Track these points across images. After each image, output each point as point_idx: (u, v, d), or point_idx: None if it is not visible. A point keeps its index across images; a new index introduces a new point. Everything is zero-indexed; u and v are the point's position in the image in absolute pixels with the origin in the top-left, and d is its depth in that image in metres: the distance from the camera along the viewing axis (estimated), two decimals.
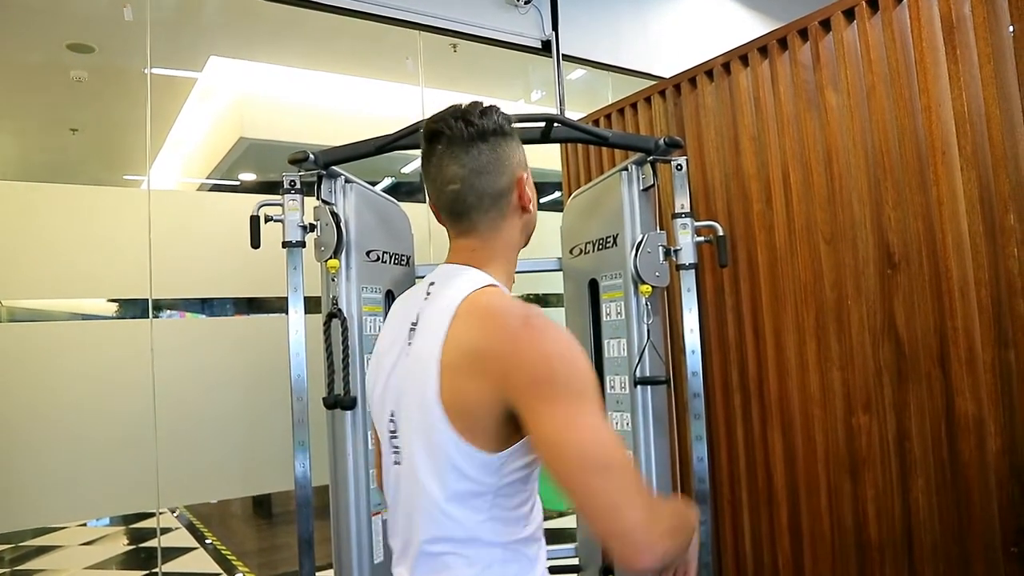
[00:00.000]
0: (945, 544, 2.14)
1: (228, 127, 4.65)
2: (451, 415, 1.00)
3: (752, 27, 4.76)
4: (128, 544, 5.77)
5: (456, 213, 1.13)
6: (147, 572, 4.86)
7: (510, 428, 1.00)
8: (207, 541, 5.66)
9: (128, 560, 5.27)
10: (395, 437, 1.12)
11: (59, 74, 3.95)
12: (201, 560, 5.07)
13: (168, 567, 4.90)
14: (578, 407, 0.94)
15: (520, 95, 4.68)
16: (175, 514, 6.67)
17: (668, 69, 3.93)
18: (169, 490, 3.05)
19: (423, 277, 2.39)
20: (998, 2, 2.05)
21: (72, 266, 2.99)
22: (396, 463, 1.12)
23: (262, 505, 6.46)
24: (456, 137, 1.09)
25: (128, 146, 5.03)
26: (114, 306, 3.37)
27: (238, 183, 5.24)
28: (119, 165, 4.93)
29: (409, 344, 1.11)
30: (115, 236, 3.07)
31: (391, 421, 1.13)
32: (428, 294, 1.14)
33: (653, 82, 3.76)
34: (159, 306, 3.13)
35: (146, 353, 2.99)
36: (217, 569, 4.83)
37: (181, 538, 5.84)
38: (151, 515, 6.39)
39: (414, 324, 1.11)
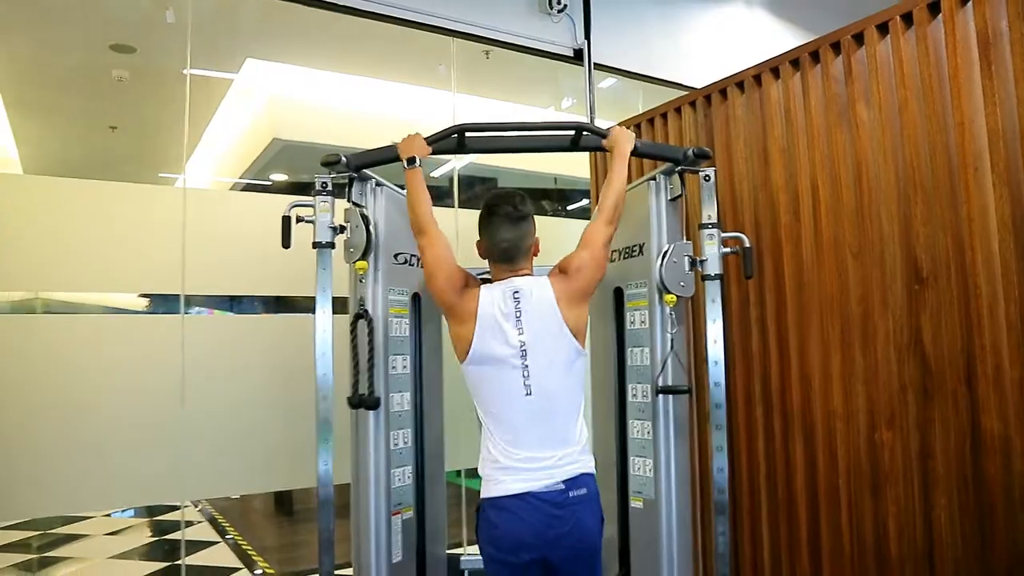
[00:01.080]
0: (967, 563, 2.12)
1: (262, 128, 4.74)
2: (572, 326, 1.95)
3: (783, 39, 4.74)
4: (151, 536, 5.87)
5: (507, 259, 2.02)
6: (169, 564, 4.94)
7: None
8: (228, 536, 5.74)
9: (151, 551, 5.36)
10: (527, 374, 1.90)
11: (101, 73, 4.05)
12: (222, 554, 5.14)
13: (190, 560, 4.98)
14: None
15: (550, 102, 4.71)
16: (198, 508, 6.77)
17: (698, 79, 3.93)
18: (194, 483, 3.10)
19: None
20: None
21: (107, 260, 3.05)
22: (527, 395, 1.89)
23: (283, 502, 6.53)
24: (510, 216, 2.00)
25: (165, 144, 5.13)
26: (144, 301, 3.46)
27: (270, 183, 5.33)
28: (155, 163, 5.04)
29: (519, 314, 1.92)
30: (150, 232, 3.12)
31: (524, 364, 1.90)
32: (517, 291, 1.96)
33: (683, 92, 3.76)
34: (191, 302, 3.19)
35: (177, 348, 3.05)
36: (238, 564, 4.90)
37: (203, 532, 5.92)
38: (175, 508, 6.49)
39: (519, 306, 1.93)
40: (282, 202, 2.39)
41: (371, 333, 2.39)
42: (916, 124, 2.29)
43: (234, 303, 3.52)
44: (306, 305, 3.49)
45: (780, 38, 4.76)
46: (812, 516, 2.58)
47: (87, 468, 2.93)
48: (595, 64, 3.91)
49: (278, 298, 3.55)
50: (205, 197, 3.53)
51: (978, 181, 2.13)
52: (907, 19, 2.33)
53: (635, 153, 2.41)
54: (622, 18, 4.10)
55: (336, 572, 2.33)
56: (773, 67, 2.74)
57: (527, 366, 1.89)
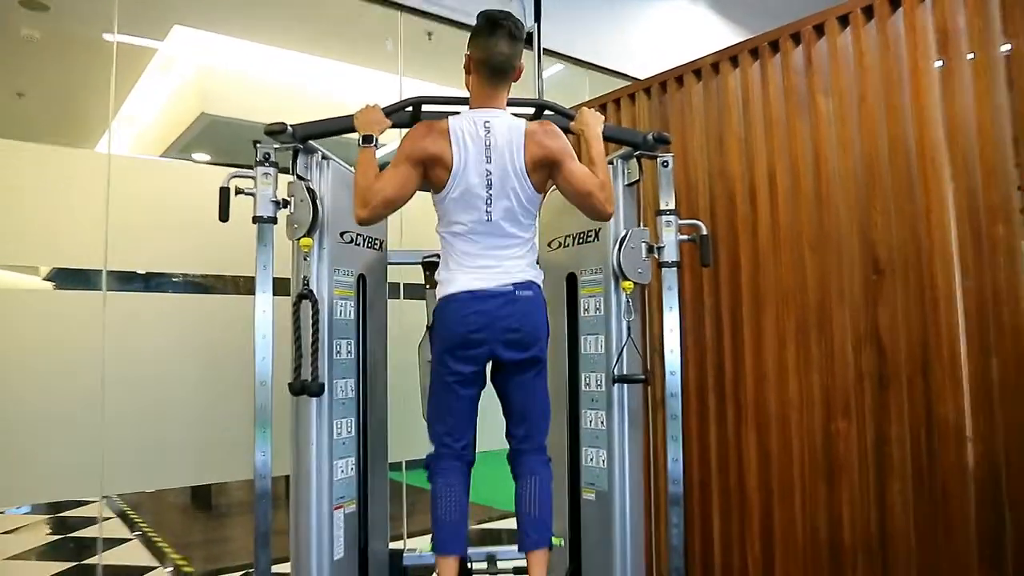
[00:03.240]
0: (921, 550, 2.13)
1: (189, 101, 4.44)
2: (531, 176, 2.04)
3: (724, 36, 4.78)
4: (53, 533, 5.44)
5: (499, 73, 2.03)
6: (76, 563, 4.58)
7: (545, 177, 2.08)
8: (142, 532, 5.38)
9: (55, 551, 4.97)
10: (489, 202, 2.01)
11: (9, 32, 3.70)
12: (136, 552, 4.80)
13: (102, 558, 4.63)
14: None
15: None
16: (105, 502, 6.35)
17: (643, 71, 3.90)
18: (114, 476, 2.86)
19: (396, 264, 2.27)
20: (992, 16, 2.06)
21: (15, 230, 2.76)
22: (488, 220, 2.01)
23: (201, 497, 6.18)
24: (512, 33, 2.01)
25: (79, 115, 4.76)
26: (47, 279, 3.15)
27: (197, 162, 5.01)
28: (69, 134, 4.66)
29: (488, 144, 1.99)
30: (68, 201, 2.85)
31: (488, 193, 2.00)
32: (487, 122, 2.01)
33: (628, 82, 3.72)
34: (113, 279, 2.92)
35: (97, 328, 2.79)
36: (153, 562, 4.58)
37: (114, 528, 5.54)
38: (79, 503, 6.05)
39: (489, 136, 1.99)
40: (219, 173, 2.22)
41: (316, 315, 2.24)
42: (875, 116, 2.30)
43: (164, 281, 3.25)
44: (241, 286, 3.30)
45: (722, 35, 4.80)
46: (765, 506, 2.56)
47: (22, 457, 2.66)
48: (544, 49, 3.82)
49: (210, 277, 3.31)
50: (132, 165, 3.26)
51: (935, 173, 2.14)
52: (868, 12, 2.33)
53: None
54: (571, 5, 4.03)
55: (271, 569, 2.17)
56: (732, 55, 2.72)
57: (490, 197, 2.01)
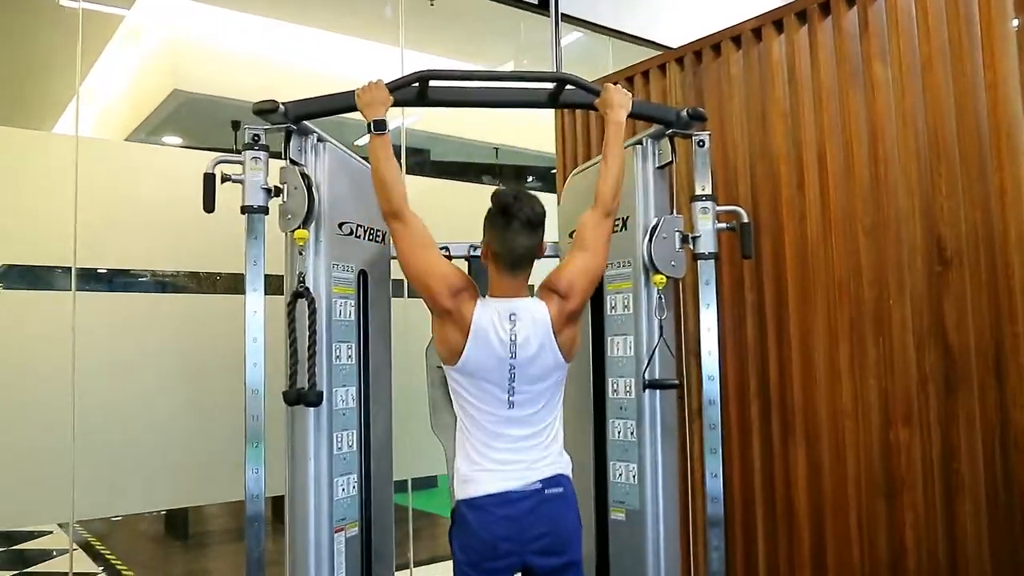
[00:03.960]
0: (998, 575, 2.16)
1: (159, 76, 4.48)
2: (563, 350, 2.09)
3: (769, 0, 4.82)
4: (11, 568, 5.50)
5: (520, 266, 2.08)
6: None
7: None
8: (110, 566, 5.45)
9: None
10: (512, 392, 2.04)
11: None
12: None
13: None
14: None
15: (509, 57, 4.65)
16: (67, 531, 6.40)
17: (675, 38, 3.93)
18: (86, 499, 2.90)
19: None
20: None
21: None
22: (510, 408, 2.05)
23: (175, 524, 6.26)
24: (531, 222, 2.02)
25: (33, 91, 4.81)
26: None
27: (176, 146, 5.06)
28: (23, 112, 4.71)
29: (514, 338, 2.03)
30: (30, 190, 2.90)
31: (511, 384, 2.04)
32: (513, 314, 2.04)
33: (658, 51, 3.75)
34: (84, 277, 2.98)
35: (66, 333, 2.85)
36: None
37: (78, 561, 5.60)
38: (36, 535, 6.11)
39: (514, 329, 2.03)
40: (200, 159, 2.25)
41: (313, 315, 2.28)
42: (941, 85, 2.33)
43: (139, 279, 3.31)
44: (229, 285, 3.34)
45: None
46: (816, 527, 2.60)
47: None
48: (562, 15, 3.86)
49: (192, 274, 3.37)
50: (103, 149, 3.33)
51: (1011, 149, 2.18)
52: None
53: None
54: None
55: None
56: (776, 20, 2.77)
57: (513, 386, 2.05)
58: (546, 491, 2.04)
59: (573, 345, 2.13)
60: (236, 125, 5.26)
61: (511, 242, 2.03)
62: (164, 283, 3.34)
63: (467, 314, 2.03)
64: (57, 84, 4.64)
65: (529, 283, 2.14)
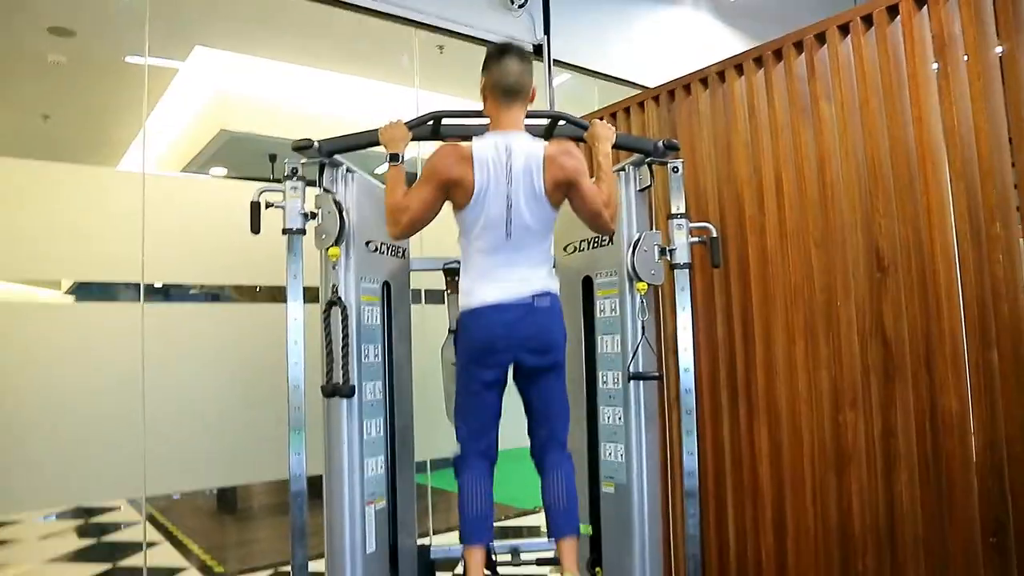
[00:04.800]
0: (927, 536, 2.21)
1: (209, 119, 4.55)
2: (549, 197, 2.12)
3: (730, 44, 4.86)
4: (87, 538, 5.55)
5: (514, 93, 2.14)
6: (112, 566, 4.68)
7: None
8: (170, 535, 5.48)
9: (92, 553, 5.08)
10: (509, 221, 2.09)
11: (36, 57, 3.82)
12: (167, 555, 4.91)
13: (133, 560, 4.73)
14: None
15: None
16: (135, 506, 6.43)
17: (651, 79, 3.98)
18: (155, 478, 2.96)
19: (418, 270, 2.74)
20: (987, 22, 2.14)
21: (56, 246, 2.88)
22: (507, 236, 2.11)
23: (226, 500, 6.28)
24: (520, 55, 2.16)
25: (101, 134, 4.87)
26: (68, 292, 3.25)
27: (224, 177, 5.12)
28: (93, 153, 4.77)
29: (510, 168, 2.07)
30: (107, 218, 2.98)
31: (508, 215, 2.09)
32: (508, 145, 2.09)
33: (637, 91, 3.80)
34: (150, 291, 3.04)
35: (136, 338, 2.91)
36: (184, 563, 4.68)
37: (145, 532, 5.64)
38: (107, 510, 6.15)
39: (510, 160, 2.07)
40: (245, 188, 2.31)
41: (345, 320, 2.32)
42: (876, 120, 2.37)
43: (197, 292, 3.37)
44: (268, 295, 3.40)
45: (728, 44, 4.88)
46: (777, 497, 2.64)
47: (46, 463, 2.77)
48: (554, 60, 3.91)
49: (240, 287, 3.42)
50: (164, 182, 3.39)
51: (935, 175, 2.22)
52: (867, 20, 2.41)
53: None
54: (579, 15, 4.12)
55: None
56: (737, 64, 2.80)
57: (510, 217, 2.10)
58: (535, 303, 2.11)
59: (557, 195, 2.14)
60: (273, 158, 5.32)
61: (506, 68, 2.12)
62: (216, 295, 3.39)
63: (467, 152, 2.08)
64: (120, 127, 4.71)
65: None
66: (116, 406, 2.91)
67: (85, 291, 3.16)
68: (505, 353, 2.12)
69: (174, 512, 6.27)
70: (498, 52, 2.15)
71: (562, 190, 2.14)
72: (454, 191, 2.10)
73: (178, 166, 5.03)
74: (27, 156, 2.96)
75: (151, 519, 6.03)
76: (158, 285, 3.17)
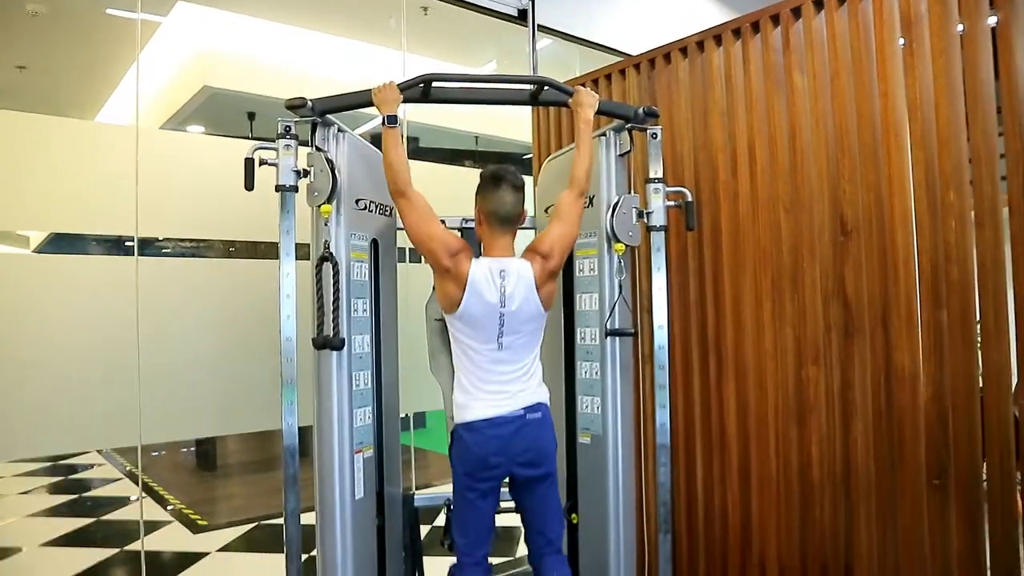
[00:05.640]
0: (879, 480, 2.40)
1: (191, 74, 4.55)
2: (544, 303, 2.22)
3: (711, 15, 4.94)
4: (64, 492, 5.63)
5: (508, 222, 2.25)
6: (94, 519, 4.78)
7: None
8: (151, 489, 5.58)
9: (70, 507, 5.16)
10: (501, 335, 2.19)
11: (13, 7, 3.80)
12: (149, 509, 5.01)
13: (115, 515, 4.84)
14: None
15: (491, 58, 4.74)
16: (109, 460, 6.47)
17: (634, 47, 4.05)
18: (150, 427, 3.04)
19: (403, 229, 2.53)
20: (950, 3, 2.27)
21: (48, 198, 2.92)
22: (499, 349, 2.20)
23: (205, 457, 6.38)
24: (515, 185, 2.25)
25: (79, 87, 4.85)
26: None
27: (213, 135, 5.13)
28: (71, 103, 4.75)
29: (503, 291, 2.18)
30: (100, 171, 3.01)
31: (500, 329, 2.18)
32: (503, 271, 2.19)
33: (620, 58, 3.88)
34: (144, 244, 3.11)
35: (131, 290, 2.97)
36: (167, 517, 4.80)
37: (124, 488, 5.73)
38: (83, 467, 6.22)
39: (504, 283, 2.18)
40: (238, 148, 2.36)
41: (336, 276, 2.39)
42: (845, 93, 2.49)
43: (190, 247, 3.43)
44: (261, 251, 3.47)
45: (709, 14, 4.95)
46: (743, 447, 2.80)
47: (41, 410, 2.85)
48: (538, 26, 3.96)
49: (233, 243, 3.48)
50: (158, 138, 3.42)
51: (898, 145, 2.36)
52: None
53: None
54: None
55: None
56: (716, 35, 2.90)
57: (502, 331, 2.21)
58: (527, 416, 2.22)
59: (551, 297, 2.30)
60: (252, 116, 5.33)
61: (501, 199, 2.21)
62: (208, 249, 3.44)
63: (464, 271, 2.17)
64: (99, 81, 4.68)
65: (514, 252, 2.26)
66: (114, 356, 2.99)
67: (87, 243, 3.24)
68: (499, 468, 2.21)
69: (153, 469, 6.36)
70: (493, 180, 2.24)
71: (553, 276, 2.29)
72: (442, 284, 2.22)
73: (157, 122, 5.04)
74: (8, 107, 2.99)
75: (129, 475, 6.12)
76: (159, 239, 3.20)
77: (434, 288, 2.94)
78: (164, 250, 3.27)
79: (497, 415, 2.20)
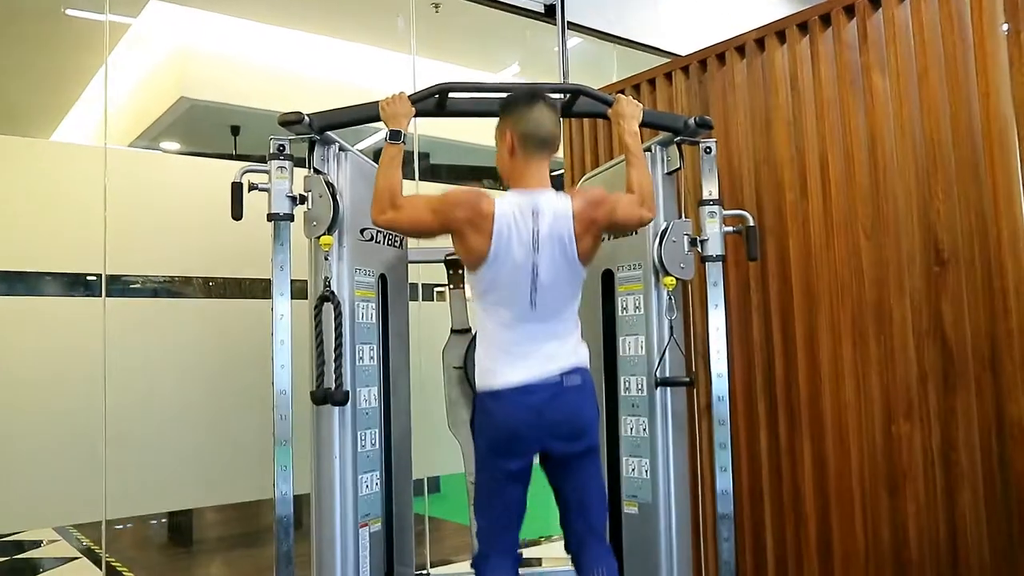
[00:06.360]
0: (996, 562, 2.30)
1: (166, 84, 4.58)
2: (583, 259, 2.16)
3: (769, 9, 4.92)
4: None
5: (545, 147, 2.18)
6: None
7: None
8: (115, 571, 5.52)
9: None
10: (535, 290, 2.11)
11: None
12: None
13: None
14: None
15: (514, 62, 4.74)
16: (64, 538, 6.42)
17: (680, 46, 4.04)
18: (117, 499, 3.00)
19: (417, 262, 2.77)
20: None
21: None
22: (532, 307, 2.12)
23: (180, 530, 6.31)
24: (551, 104, 2.20)
25: (38, 99, 4.89)
26: None
27: (197, 155, 5.14)
28: (23, 119, 4.79)
29: (536, 233, 2.09)
30: (60, 200, 3.02)
31: (533, 283, 2.10)
32: (535, 208, 2.11)
33: (664, 58, 3.87)
34: (114, 284, 3.10)
35: (97, 337, 2.96)
36: None
37: (82, 569, 5.66)
38: (38, 544, 6.16)
39: (537, 224, 2.09)
40: (227, 169, 2.36)
41: (338, 318, 2.38)
42: (936, 94, 2.45)
43: (168, 285, 3.41)
44: (251, 290, 3.44)
45: (767, 9, 4.93)
46: (822, 518, 2.72)
47: None
48: (568, 23, 3.97)
49: (221, 280, 3.47)
50: (130, 159, 3.43)
51: (1003, 155, 2.31)
52: None
53: None
54: None
55: None
56: (778, 31, 2.88)
57: (536, 285, 2.12)
58: (565, 382, 2.13)
59: (590, 253, 2.21)
60: (236, 130, 5.36)
61: (537, 119, 2.15)
62: (188, 288, 3.43)
63: (488, 211, 2.09)
64: (57, 92, 4.72)
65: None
66: (74, 415, 2.96)
67: (44, 283, 3.22)
68: (532, 442, 2.13)
69: (118, 544, 6.29)
70: (528, 98, 2.19)
71: (598, 239, 2.23)
72: (462, 243, 2.14)
73: (126, 139, 5.06)
74: None
75: (88, 552, 6.05)
76: (129, 276, 3.20)
77: (452, 331, 2.92)
78: (135, 287, 3.25)
79: (529, 381, 2.11)
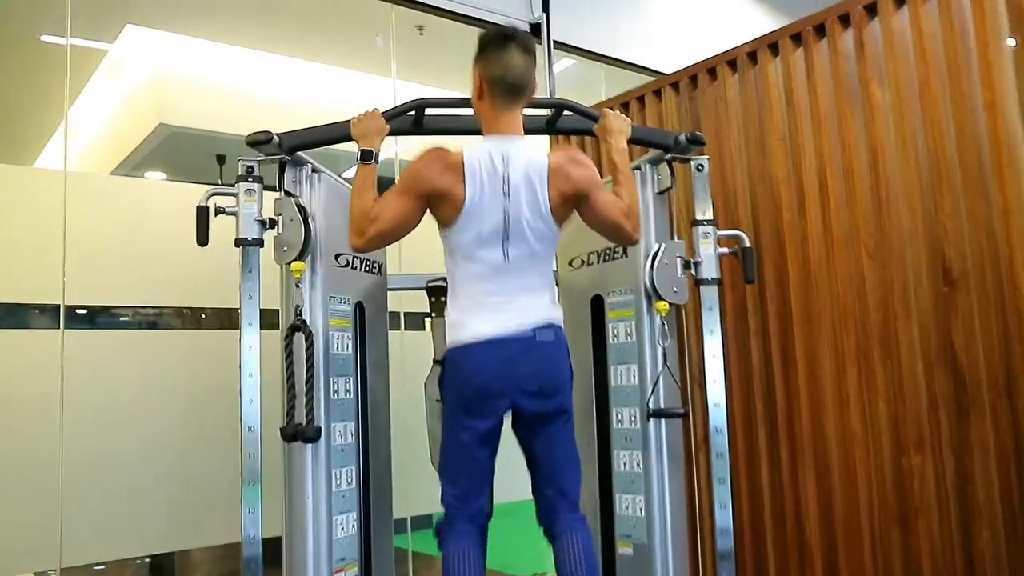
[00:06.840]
0: None
1: (145, 111, 4.54)
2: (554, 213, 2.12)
3: (759, 22, 4.92)
4: None
5: (516, 91, 2.11)
6: None
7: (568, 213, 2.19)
8: None
9: None
10: (507, 239, 2.08)
11: None
12: None
13: None
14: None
15: None
16: None
17: (669, 63, 4.00)
18: (74, 545, 2.89)
19: (396, 289, 2.71)
20: None
21: None
22: (505, 260, 2.09)
23: (159, 571, 6.16)
24: (525, 46, 2.11)
25: (13, 124, 4.85)
26: None
27: (168, 180, 5.08)
28: (5, 145, 4.76)
29: (507, 178, 2.05)
30: (15, 226, 2.93)
31: (505, 233, 2.07)
32: (506, 154, 2.06)
33: (653, 77, 3.82)
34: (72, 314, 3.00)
35: (54, 372, 2.85)
36: None
37: None
38: None
39: (507, 165, 2.05)
40: (190, 192, 2.29)
41: (310, 349, 2.30)
42: (939, 106, 2.39)
43: (130, 316, 3.33)
44: (217, 321, 3.35)
45: (757, 22, 4.94)
46: (828, 557, 2.62)
47: None
48: (554, 42, 3.94)
49: (179, 310, 3.39)
50: (91, 183, 3.35)
51: (1012, 168, 2.23)
52: None
53: None
54: None
55: None
56: (771, 43, 2.83)
57: (508, 234, 2.09)
58: (537, 336, 2.09)
59: (563, 212, 2.15)
60: (221, 159, 5.31)
61: (509, 60, 2.07)
62: (153, 320, 3.35)
63: (455, 159, 2.05)
64: (37, 119, 4.69)
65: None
66: (29, 454, 2.86)
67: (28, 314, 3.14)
68: (502, 398, 2.08)
69: None
70: (500, 39, 2.10)
71: (570, 205, 2.15)
72: (439, 205, 2.08)
73: (107, 167, 5.01)
74: None
75: None
76: (87, 308, 3.14)
77: (434, 362, 2.82)
78: (98, 320, 3.15)
79: (499, 334, 2.06)
